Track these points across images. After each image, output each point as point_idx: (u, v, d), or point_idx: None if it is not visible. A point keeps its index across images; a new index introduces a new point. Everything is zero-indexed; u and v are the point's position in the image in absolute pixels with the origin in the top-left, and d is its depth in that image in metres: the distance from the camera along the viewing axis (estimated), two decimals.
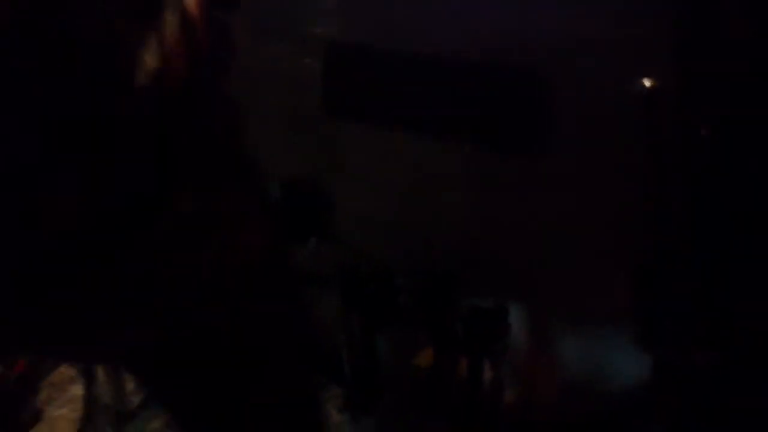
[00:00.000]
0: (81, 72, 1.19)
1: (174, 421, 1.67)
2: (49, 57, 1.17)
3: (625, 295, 1.62)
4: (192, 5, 1.29)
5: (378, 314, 2.00)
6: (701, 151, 1.52)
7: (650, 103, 1.59)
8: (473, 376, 1.88)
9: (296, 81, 1.94)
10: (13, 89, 1.15)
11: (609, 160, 1.68)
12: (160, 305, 1.46)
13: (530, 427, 1.93)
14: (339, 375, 2.09)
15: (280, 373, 1.74)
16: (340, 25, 1.92)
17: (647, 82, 1.60)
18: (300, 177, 1.95)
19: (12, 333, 1.38)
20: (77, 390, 2.27)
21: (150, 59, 1.25)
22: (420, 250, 1.92)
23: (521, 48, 1.77)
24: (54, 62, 1.17)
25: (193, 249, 1.42)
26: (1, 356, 2.11)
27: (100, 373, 2.20)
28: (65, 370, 2.36)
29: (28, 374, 2.22)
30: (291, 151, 1.94)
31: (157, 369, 1.69)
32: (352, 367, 2.07)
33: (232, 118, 1.49)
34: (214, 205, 1.45)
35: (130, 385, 2.13)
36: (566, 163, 1.75)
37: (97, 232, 1.25)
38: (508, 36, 1.79)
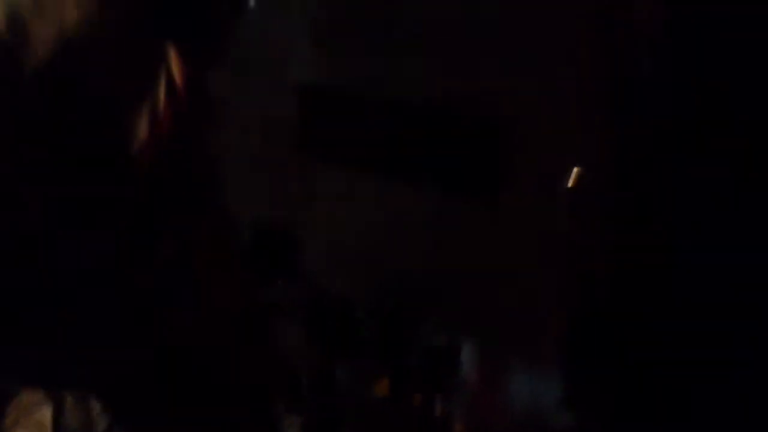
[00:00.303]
0: (78, 139, 1.29)
1: None
2: (52, 122, 1.26)
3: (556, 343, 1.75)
4: (177, 73, 1.39)
5: (338, 346, 2.11)
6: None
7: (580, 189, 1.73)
8: (426, 408, 1.98)
9: (271, 124, 2.05)
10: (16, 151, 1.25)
11: (551, 215, 1.80)
12: (136, 340, 1.56)
13: None
14: (299, 403, 2.18)
15: (244, 402, 1.84)
16: (312, 72, 2.03)
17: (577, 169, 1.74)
18: (270, 220, 2.06)
19: None
20: (45, 414, 2.33)
21: (143, 126, 1.35)
22: (380, 287, 2.02)
23: (482, 100, 1.89)
24: (55, 126, 1.27)
25: (176, 291, 1.53)
26: None
27: (68, 398, 2.27)
28: (33, 394, 2.43)
29: None
30: (263, 193, 2.05)
31: (125, 396, 1.78)
32: (312, 396, 2.16)
33: (212, 174, 1.61)
34: (197, 253, 1.56)
35: (96, 409, 2.21)
36: (516, 213, 1.86)
37: (86, 274, 1.35)
38: (470, 89, 1.91)
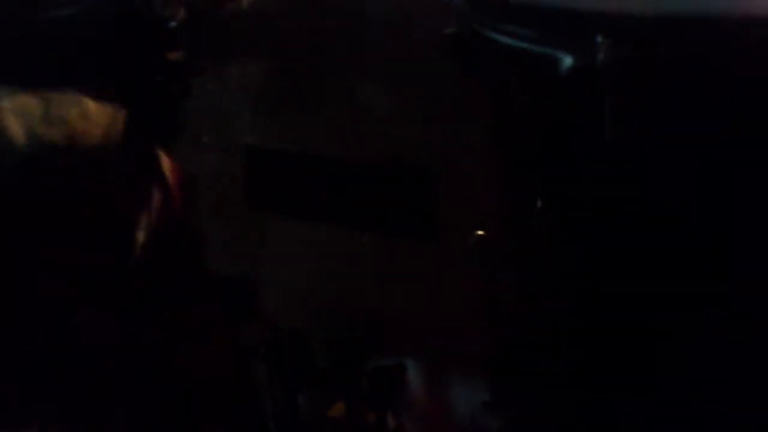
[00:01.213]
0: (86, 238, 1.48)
1: None
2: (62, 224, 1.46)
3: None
4: (169, 171, 1.61)
5: (298, 376, 2.36)
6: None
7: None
8: (379, 425, 2.24)
9: (224, 181, 2.30)
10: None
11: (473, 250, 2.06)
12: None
13: None
14: (265, 429, 2.42)
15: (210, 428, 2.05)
16: (259, 134, 2.28)
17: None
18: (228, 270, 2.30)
19: None
20: None
21: (142, 225, 1.56)
22: (332, 321, 2.28)
23: (413, 153, 2.16)
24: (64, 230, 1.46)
25: (166, 354, 1.74)
26: None
27: None
28: None
29: None
30: (220, 244, 2.29)
31: None
32: (275, 422, 2.41)
33: (198, 246, 1.83)
34: (185, 318, 1.78)
35: None
36: (444, 248, 2.14)
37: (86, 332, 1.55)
38: (401, 142, 2.18)
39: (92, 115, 1.51)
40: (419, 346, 2.24)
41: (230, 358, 2.12)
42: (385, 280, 2.23)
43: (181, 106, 2.13)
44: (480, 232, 1.98)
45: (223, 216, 2.31)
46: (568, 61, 1.66)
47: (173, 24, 2.02)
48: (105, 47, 1.94)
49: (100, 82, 1.81)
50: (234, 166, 2.29)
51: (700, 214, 1.73)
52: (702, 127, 1.63)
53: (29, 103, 1.50)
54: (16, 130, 1.47)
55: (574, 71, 1.66)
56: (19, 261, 1.48)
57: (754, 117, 1.61)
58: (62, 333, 1.55)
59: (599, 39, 1.59)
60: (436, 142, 2.15)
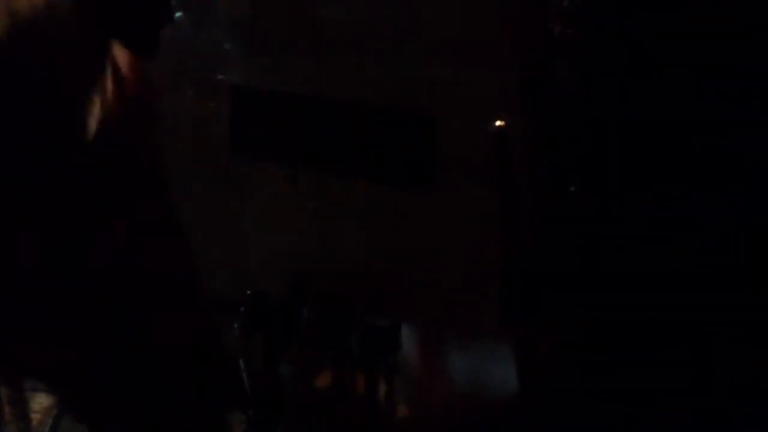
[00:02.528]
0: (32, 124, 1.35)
1: None
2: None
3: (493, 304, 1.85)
4: (123, 62, 1.46)
5: (280, 340, 2.17)
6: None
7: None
8: (369, 391, 2.05)
9: (203, 123, 2.12)
10: None
11: (478, 191, 1.90)
12: (84, 334, 1.60)
13: None
14: (242, 400, 2.23)
15: (191, 400, 1.88)
16: (242, 72, 2.11)
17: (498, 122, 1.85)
18: (207, 218, 2.12)
19: None
20: None
21: (94, 109, 1.42)
22: (319, 276, 2.10)
23: (405, 92, 1.99)
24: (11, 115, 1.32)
25: (127, 273, 1.58)
26: None
27: (6, 410, 2.28)
28: None
29: None
30: (199, 190, 2.11)
31: (73, 391, 1.81)
32: (255, 391, 2.21)
33: (158, 159, 1.67)
34: (144, 234, 1.62)
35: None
36: (444, 194, 1.96)
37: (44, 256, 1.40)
38: (397, 82, 2.01)
39: None
40: (414, 305, 2.05)
41: (198, 318, 1.93)
42: (379, 231, 2.05)
43: (161, 37, 1.94)
44: (499, 123, 1.80)
45: (203, 160, 2.13)
46: None
47: None
48: None
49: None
50: (217, 107, 2.12)
51: None
52: None
53: None
54: None
55: None
56: None
57: None
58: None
59: None
60: (438, 82, 1.98)
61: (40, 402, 2.50)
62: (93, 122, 1.42)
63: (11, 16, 1.37)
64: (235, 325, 2.11)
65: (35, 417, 2.44)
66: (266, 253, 2.13)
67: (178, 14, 2.07)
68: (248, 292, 2.11)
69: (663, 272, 1.70)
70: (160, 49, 1.84)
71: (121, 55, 1.53)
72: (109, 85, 1.46)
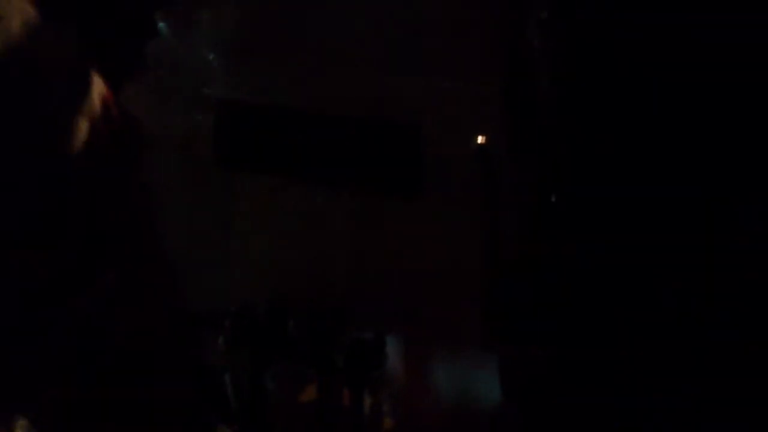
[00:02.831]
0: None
1: None
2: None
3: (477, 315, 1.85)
4: (106, 93, 1.44)
5: (265, 352, 2.16)
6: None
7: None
8: (354, 404, 2.04)
9: (190, 135, 2.12)
10: None
11: (464, 202, 1.90)
12: (68, 355, 1.59)
13: None
14: (228, 414, 2.21)
15: (176, 414, 1.87)
16: (226, 85, 2.11)
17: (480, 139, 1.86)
18: (193, 233, 2.11)
19: None
20: None
21: (82, 133, 1.39)
22: (305, 288, 2.09)
23: (389, 105, 2.00)
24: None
25: (113, 316, 1.57)
26: None
27: None
28: None
29: None
30: (186, 201, 2.10)
31: (54, 411, 1.80)
32: (240, 405, 2.20)
33: (147, 195, 1.66)
34: (132, 277, 1.61)
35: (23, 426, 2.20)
36: (432, 206, 1.96)
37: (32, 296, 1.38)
38: (382, 94, 2.01)
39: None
40: (401, 317, 2.05)
41: (181, 328, 1.90)
42: (365, 243, 2.05)
43: (146, 50, 1.94)
44: (480, 140, 1.81)
45: (188, 174, 2.13)
46: None
47: None
48: None
49: (60, 16, 1.64)
50: (202, 120, 2.11)
51: None
52: None
53: None
54: None
55: None
56: None
57: None
58: None
59: None
60: (423, 93, 1.99)
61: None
62: (80, 147, 1.40)
63: (2, 35, 1.36)
64: (221, 340, 2.10)
65: None
66: (251, 265, 2.13)
67: (161, 24, 2.08)
68: (232, 308, 2.10)
69: (649, 288, 1.70)
70: (145, 65, 1.84)
71: (99, 84, 1.52)
72: (97, 109, 1.44)
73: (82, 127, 1.41)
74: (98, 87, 1.54)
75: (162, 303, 1.86)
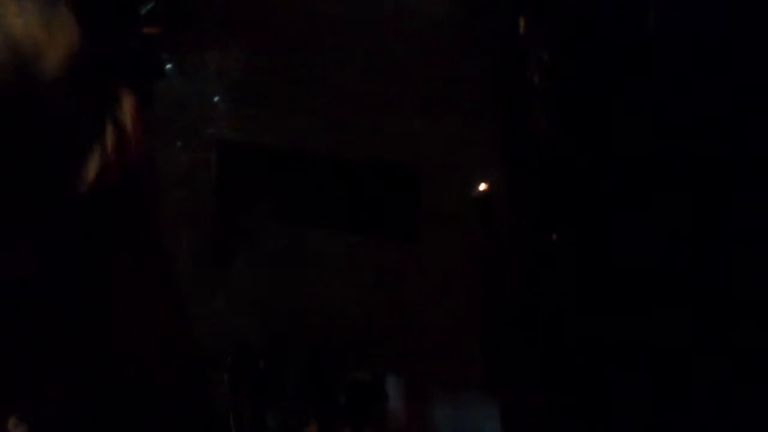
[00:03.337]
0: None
1: None
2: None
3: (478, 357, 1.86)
4: (129, 122, 1.45)
5: (267, 391, 2.17)
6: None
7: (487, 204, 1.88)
8: None
9: (192, 175, 2.14)
10: None
11: (462, 248, 1.92)
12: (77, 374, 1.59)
13: None
14: None
15: None
16: (229, 126, 2.13)
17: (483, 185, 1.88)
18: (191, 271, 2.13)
19: None
20: None
21: (92, 165, 1.40)
22: (306, 329, 2.11)
23: (389, 147, 2.02)
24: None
25: (113, 329, 1.58)
26: None
27: None
28: None
29: None
30: (186, 240, 2.12)
31: None
32: None
33: (153, 218, 1.67)
34: (134, 293, 1.61)
35: None
36: (429, 250, 1.98)
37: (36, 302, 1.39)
38: (381, 137, 2.04)
39: (39, 24, 1.34)
40: (400, 357, 2.06)
41: (186, 367, 1.92)
42: (364, 286, 2.07)
43: (153, 89, 1.97)
44: (482, 187, 1.83)
45: (192, 216, 2.15)
46: None
47: None
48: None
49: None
50: (206, 161, 2.14)
51: None
52: None
53: None
54: None
55: None
56: None
57: None
58: None
59: None
60: (422, 136, 2.01)
61: None
62: (91, 173, 1.41)
63: (6, 34, 1.35)
64: (225, 377, 2.11)
65: None
66: (253, 305, 2.15)
67: (168, 66, 2.11)
68: (232, 347, 2.12)
69: (652, 330, 1.72)
70: (151, 103, 1.87)
71: (128, 103, 1.52)
72: (110, 136, 1.45)
73: (94, 153, 1.40)
74: (127, 104, 1.53)
75: (170, 342, 1.87)
